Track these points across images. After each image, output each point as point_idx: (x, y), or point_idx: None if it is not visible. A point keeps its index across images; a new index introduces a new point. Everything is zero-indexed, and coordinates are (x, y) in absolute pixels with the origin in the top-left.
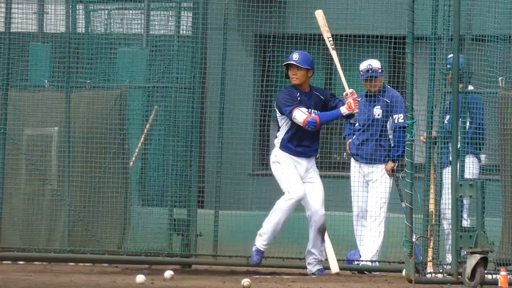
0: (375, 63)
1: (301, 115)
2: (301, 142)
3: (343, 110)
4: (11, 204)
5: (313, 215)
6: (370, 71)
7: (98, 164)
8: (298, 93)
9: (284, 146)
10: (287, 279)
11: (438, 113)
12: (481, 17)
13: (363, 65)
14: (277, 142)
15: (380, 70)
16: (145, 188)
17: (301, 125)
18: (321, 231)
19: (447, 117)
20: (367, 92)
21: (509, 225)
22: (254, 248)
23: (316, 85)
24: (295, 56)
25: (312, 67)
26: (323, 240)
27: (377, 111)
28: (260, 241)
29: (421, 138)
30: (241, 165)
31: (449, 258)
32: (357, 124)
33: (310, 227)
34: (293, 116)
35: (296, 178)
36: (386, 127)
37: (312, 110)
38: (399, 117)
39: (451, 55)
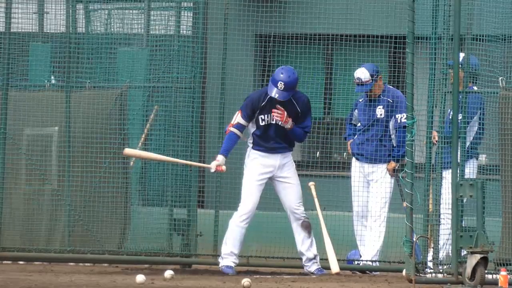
0: (364, 75)
1: (234, 118)
2: (270, 139)
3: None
4: (11, 204)
5: (291, 215)
6: (359, 86)
7: (98, 164)
8: (267, 99)
9: (255, 144)
10: (287, 279)
11: (438, 113)
12: (481, 17)
13: (355, 75)
14: (249, 141)
15: (370, 81)
16: (145, 188)
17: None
18: (304, 226)
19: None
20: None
21: (509, 225)
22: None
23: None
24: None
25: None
26: (309, 235)
27: (380, 111)
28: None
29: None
30: (241, 165)
31: (442, 255)
32: (359, 124)
33: (292, 225)
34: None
35: (250, 192)
36: (388, 126)
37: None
38: (402, 117)
39: (463, 54)
